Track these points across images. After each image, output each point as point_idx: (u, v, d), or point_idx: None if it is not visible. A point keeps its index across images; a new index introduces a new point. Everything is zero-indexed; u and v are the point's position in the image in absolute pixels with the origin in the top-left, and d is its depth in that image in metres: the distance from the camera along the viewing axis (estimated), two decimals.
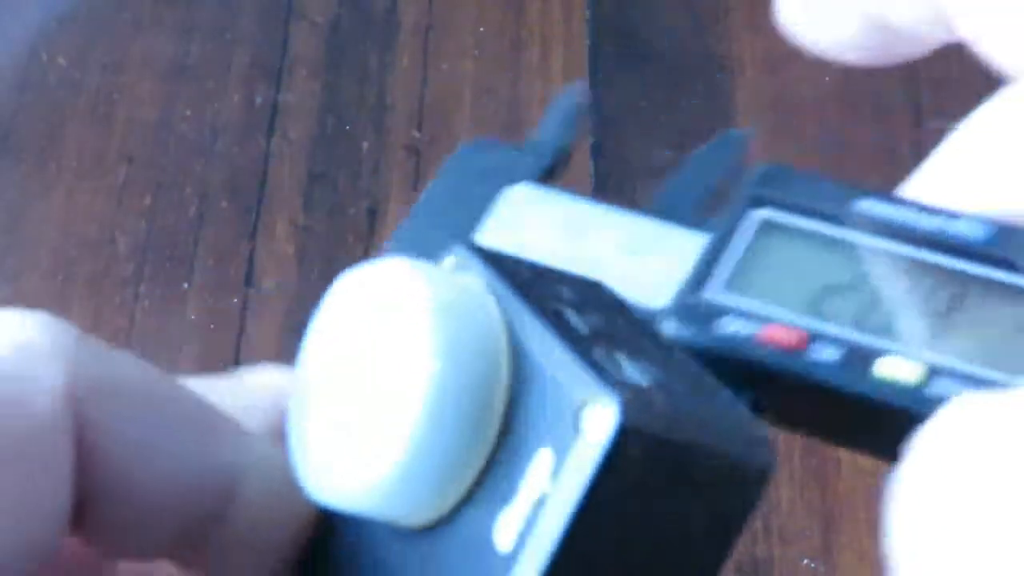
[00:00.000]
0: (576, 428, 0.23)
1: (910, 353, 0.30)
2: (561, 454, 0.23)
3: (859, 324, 0.31)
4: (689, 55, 1.01)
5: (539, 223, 0.34)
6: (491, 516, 0.24)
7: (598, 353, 0.25)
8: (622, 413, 0.23)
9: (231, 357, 0.88)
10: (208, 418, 0.27)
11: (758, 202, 0.32)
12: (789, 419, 0.32)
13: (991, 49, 0.27)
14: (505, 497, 0.24)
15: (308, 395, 0.26)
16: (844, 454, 0.84)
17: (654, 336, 0.29)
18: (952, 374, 0.30)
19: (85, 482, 0.25)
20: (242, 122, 0.96)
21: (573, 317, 0.27)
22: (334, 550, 0.27)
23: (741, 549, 0.83)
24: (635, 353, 0.27)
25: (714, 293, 0.31)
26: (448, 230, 0.31)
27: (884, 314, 0.31)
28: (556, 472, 0.23)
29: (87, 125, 0.96)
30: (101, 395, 0.26)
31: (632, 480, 0.24)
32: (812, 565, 0.82)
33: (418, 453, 0.24)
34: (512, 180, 0.34)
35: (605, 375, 0.24)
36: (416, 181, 0.94)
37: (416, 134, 0.97)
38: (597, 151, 0.94)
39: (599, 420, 0.23)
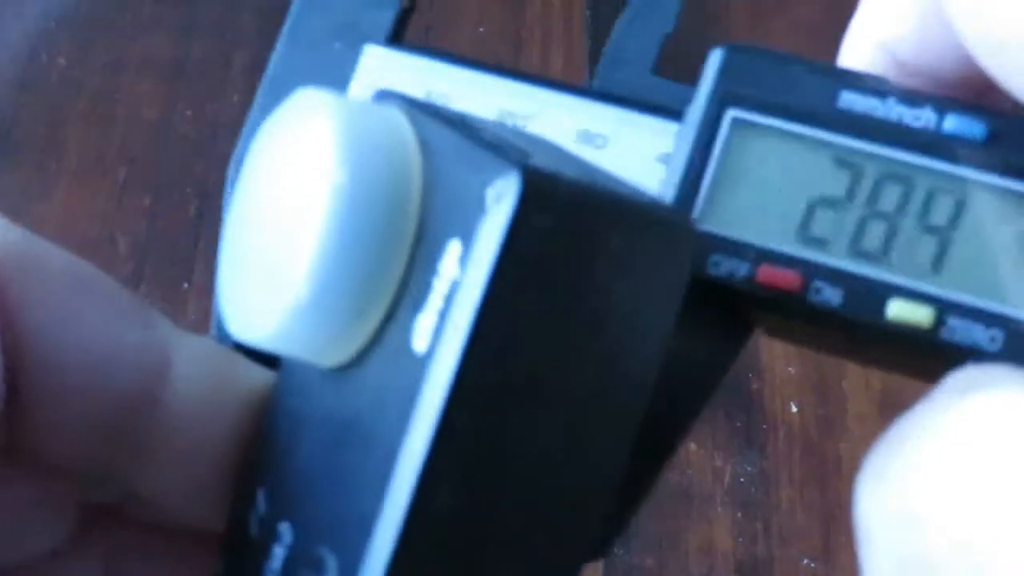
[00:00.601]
0: (482, 209, 0.22)
1: (915, 288, 0.29)
2: (468, 239, 0.22)
3: (857, 252, 0.29)
4: (689, 55, 1.01)
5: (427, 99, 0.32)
6: (409, 322, 0.23)
7: (507, 147, 0.23)
8: (523, 181, 0.22)
9: None
10: (136, 302, 0.26)
11: (728, 100, 0.30)
12: (795, 342, 0.31)
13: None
14: (420, 300, 0.23)
15: (229, 238, 0.25)
16: (844, 454, 0.84)
17: (575, 157, 0.27)
18: (965, 313, 0.28)
19: (14, 363, 0.24)
20: (242, 122, 0.96)
21: (487, 129, 0.25)
22: (274, 442, 0.26)
23: (741, 549, 0.83)
24: (549, 155, 0.25)
25: (698, 224, 0.29)
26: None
27: (882, 235, 0.29)
28: (464, 258, 0.22)
29: (87, 125, 0.96)
30: (26, 273, 0.25)
31: (544, 252, 0.22)
32: (812, 565, 0.82)
33: (328, 275, 0.23)
34: (364, 38, 0.33)
35: (506, 153, 0.22)
36: None
37: None
38: None
39: (502, 193, 0.22)
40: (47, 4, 1.01)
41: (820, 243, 0.29)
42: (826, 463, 0.85)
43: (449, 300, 0.22)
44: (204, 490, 0.26)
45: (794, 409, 0.86)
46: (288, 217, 0.23)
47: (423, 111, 0.25)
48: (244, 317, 0.24)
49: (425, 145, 0.24)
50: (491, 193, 0.22)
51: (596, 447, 0.24)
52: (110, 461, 0.25)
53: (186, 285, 0.89)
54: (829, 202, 0.29)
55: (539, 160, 0.23)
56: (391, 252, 0.23)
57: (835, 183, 0.29)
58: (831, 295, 0.29)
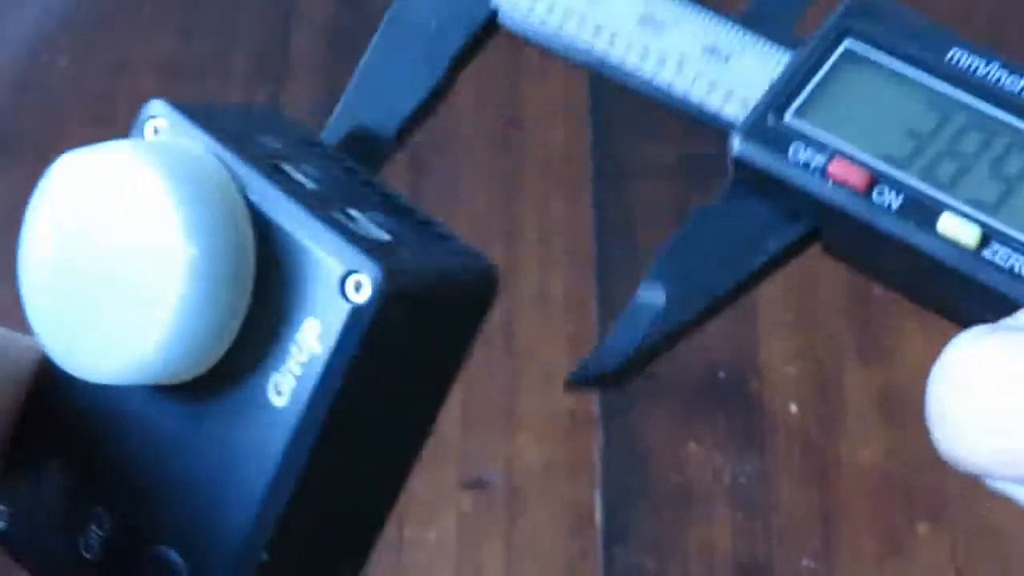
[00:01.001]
0: (342, 295, 0.27)
1: (971, 214, 0.30)
2: (328, 320, 0.27)
3: (926, 174, 0.31)
4: None
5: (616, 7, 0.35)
6: (263, 375, 0.27)
7: (338, 214, 0.28)
8: (384, 280, 0.26)
9: None
10: None
11: (846, 32, 0.32)
12: (848, 256, 0.33)
13: None
14: (276, 359, 0.27)
15: (48, 278, 0.28)
16: (844, 454, 0.84)
17: (353, 171, 0.31)
18: (1010, 242, 0.30)
19: None
20: None
21: (293, 171, 0.29)
22: (60, 410, 0.29)
23: (740, 549, 0.83)
24: (360, 202, 0.29)
25: (788, 117, 0.32)
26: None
27: (953, 169, 0.31)
28: (324, 335, 0.27)
29: (87, 125, 0.96)
30: None
31: (393, 330, 0.27)
32: (812, 565, 0.82)
33: (181, 328, 0.26)
34: None
35: (359, 241, 0.27)
36: (416, 181, 0.94)
37: (416, 134, 0.97)
38: (597, 151, 0.94)
39: (363, 287, 0.26)
40: (47, 4, 1.01)
41: (895, 160, 0.31)
42: (826, 463, 0.85)
43: (309, 368, 0.27)
44: None
45: (794, 409, 0.86)
46: (131, 273, 0.27)
47: (217, 134, 0.29)
48: (84, 358, 0.27)
49: (246, 195, 0.28)
50: (351, 283, 0.27)
51: (393, 469, 0.29)
52: None
53: None
54: (914, 134, 0.31)
55: (367, 225, 0.28)
56: (234, 304, 0.27)
57: (924, 121, 0.31)
58: (891, 200, 0.30)
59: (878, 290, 0.91)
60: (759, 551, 0.83)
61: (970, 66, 0.32)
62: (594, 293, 0.89)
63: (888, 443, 0.84)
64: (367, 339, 0.27)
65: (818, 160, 0.31)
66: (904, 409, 0.84)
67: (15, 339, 0.30)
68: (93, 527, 0.29)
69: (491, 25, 0.36)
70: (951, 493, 0.81)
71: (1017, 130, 0.31)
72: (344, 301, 0.27)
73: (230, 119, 0.31)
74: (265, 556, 0.27)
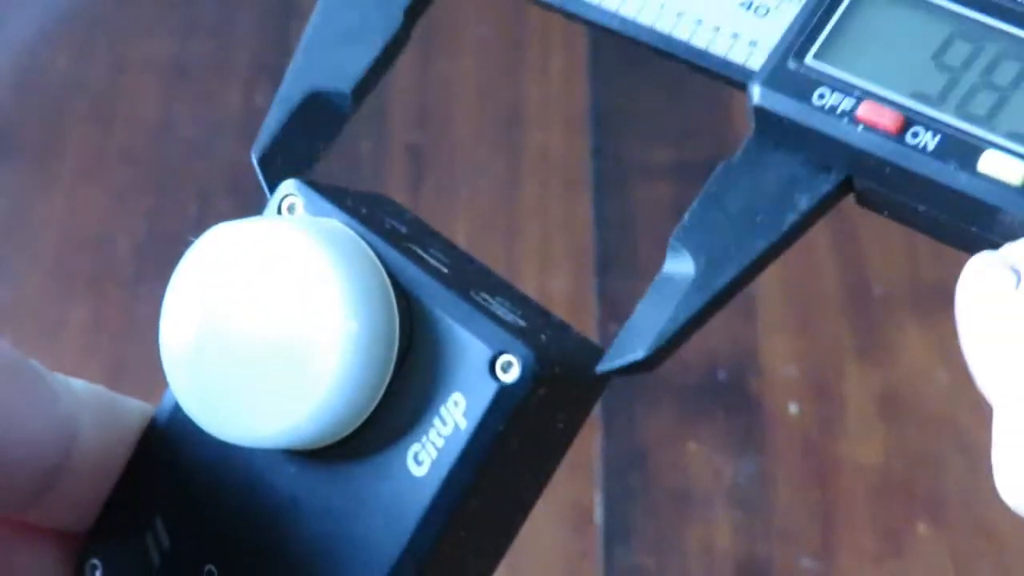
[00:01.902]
0: (491, 375, 0.28)
1: (1014, 149, 0.28)
2: (475, 397, 0.28)
3: (962, 110, 0.29)
4: None
5: None
6: (404, 446, 0.29)
7: (476, 296, 0.29)
8: (534, 362, 0.28)
9: None
10: (35, 373, 0.29)
11: None
12: (884, 205, 0.31)
13: None
14: (418, 431, 0.29)
15: (197, 345, 0.29)
16: (844, 454, 0.84)
17: (472, 259, 0.32)
18: None
19: None
20: (242, 122, 0.96)
21: (423, 253, 0.30)
22: (169, 470, 0.30)
23: (740, 548, 0.83)
24: (489, 289, 0.30)
25: (810, 60, 0.30)
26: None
27: (991, 102, 0.29)
28: (470, 411, 0.28)
29: (87, 125, 0.96)
30: None
31: (533, 410, 0.29)
32: (812, 565, 0.82)
33: (335, 397, 0.28)
34: None
35: (504, 324, 0.29)
36: (416, 181, 0.94)
37: (416, 135, 0.97)
38: (597, 151, 0.94)
39: (512, 368, 0.28)
40: (47, 4, 1.01)
41: (928, 98, 0.29)
42: (826, 463, 0.85)
43: (451, 441, 0.28)
44: (94, 509, 0.30)
45: (794, 409, 0.86)
46: (289, 343, 0.28)
47: (351, 215, 0.30)
48: (233, 422, 0.28)
49: (404, 288, 0.29)
50: (500, 363, 0.28)
51: (508, 535, 0.33)
52: (25, 508, 0.29)
53: None
54: (945, 67, 0.30)
55: (502, 310, 0.29)
56: (382, 376, 0.29)
57: (955, 51, 0.30)
58: (926, 140, 0.29)
59: (878, 290, 0.91)
60: (759, 551, 0.83)
61: None
62: (594, 293, 0.89)
63: (888, 443, 0.84)
64: (511, 418, 0.28)
65: (846, 104, 0.29)
66: (904, 409, 0.84)
67: (124, 401, 0.31)
68: None
69: None
70: (951, 493, 0.81)
71: None
72: (493, 380, 0.28)
73: (358, 201, 0.32)
74: None
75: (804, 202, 0.30)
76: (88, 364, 0.88)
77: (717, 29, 0.32)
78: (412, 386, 0.29)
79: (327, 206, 0.31)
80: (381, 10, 0.34)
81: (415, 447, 0.28)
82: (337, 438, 0.29)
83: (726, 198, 0.30)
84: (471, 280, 0.30)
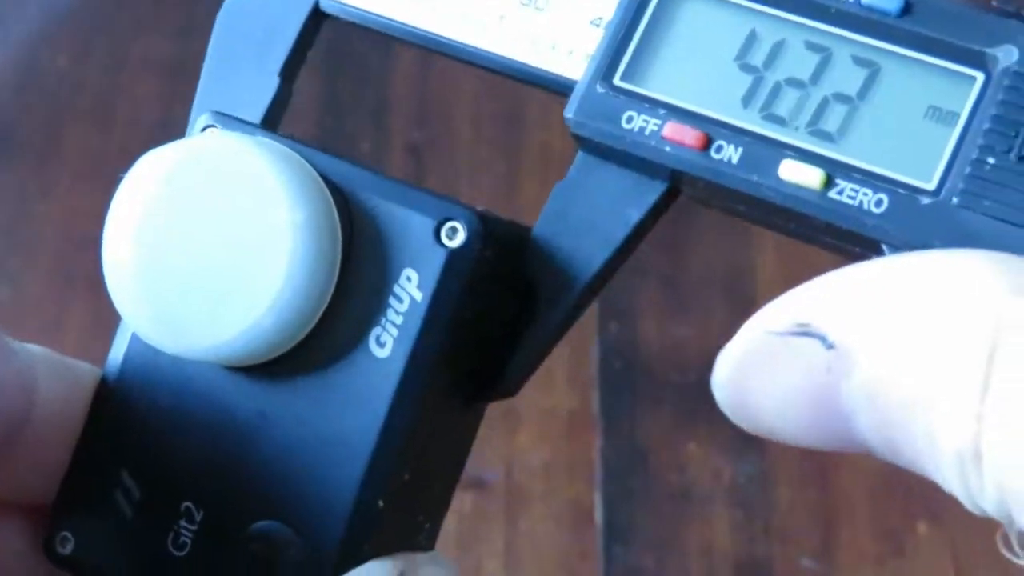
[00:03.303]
0: (438, 242, 0.29)
1: (813, 152, 0.29)
2: (426, 267, 0.29)
3: (764, 116, 0.30)
4: None
5: None
6: (362, 333, 0.29)
7: (434, 193, 0.30)
8: (478, 221, 0.29)
9: None
10: None
11: None
12: (711, 206, 0.32)
13: None
14: (375, 315, 0.29)
15: (151, 261, 0.29)
16: (844, 454, 0.84)
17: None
18: (854, 177, 0.29)
19: None
20: None
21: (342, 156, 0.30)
22: (124, 423, 0.30)
23: (740, 547, 0.83)
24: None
25: (618, 81, 0.31)
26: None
27: (792, 103, 0.30)
28: (424, 282, 0.29)
29: (87, 125, 0.96)
30: None
31: (484, 272, 0.29)
32: (811, 565, 0.82)
33: (291, 289, 0.28)
34: None
35: (443, 197, 0.29)
36: (416, 181, 0.94)
37: (416, 134, 0.97)
38: None
39: (458, 232, 0.29)
40: (47, 4, 1.01)
41: (731, 105, 0.30)
42: (826, 463, 0.85)
43: (410, 315, 0.29)
44: (56, 477, 0.30)
45: None
46: (239, 246, 0.28)
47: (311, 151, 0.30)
48: (191, 334, 0.29)
49: (335, 182, 0.29)
50: (445, 229, 0.29)
51: (470, 424, 0.31)
52: None
53: None
54: (747, 68, 0.30)
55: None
56: (331, 269, 0.29)
57: (754, 50, 0.30)
58: (730, 154, 0.30)
59: None
60: (759, 551, 0.83)
61: None
62: None
63: None
64: (464, 281, 0.29)
65: (652, 125, 0.30)
66: None
67: (76, 363, 0.31)
68: (182, 523, 0.30)
69: (317, 16, 0.35)
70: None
71: (847, 41, 0.30)
72: (440, 247, 0.29)
73: (266, 128, 0.33)
74: (381, 503, 0.28)
75: (635, 214, 0.31)
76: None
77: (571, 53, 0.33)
78: (361, 275, 0.29)
79: (246, 127, 0.32)
80: (262, 64, 0.35)
81: (375, 331, 0.29)
82: (296, 339, 0.29)
83: (566, 215, 0.32)
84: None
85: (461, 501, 0.84)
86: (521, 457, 0.85)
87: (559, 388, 0.89)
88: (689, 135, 0.30)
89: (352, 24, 0.35)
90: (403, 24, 0.34)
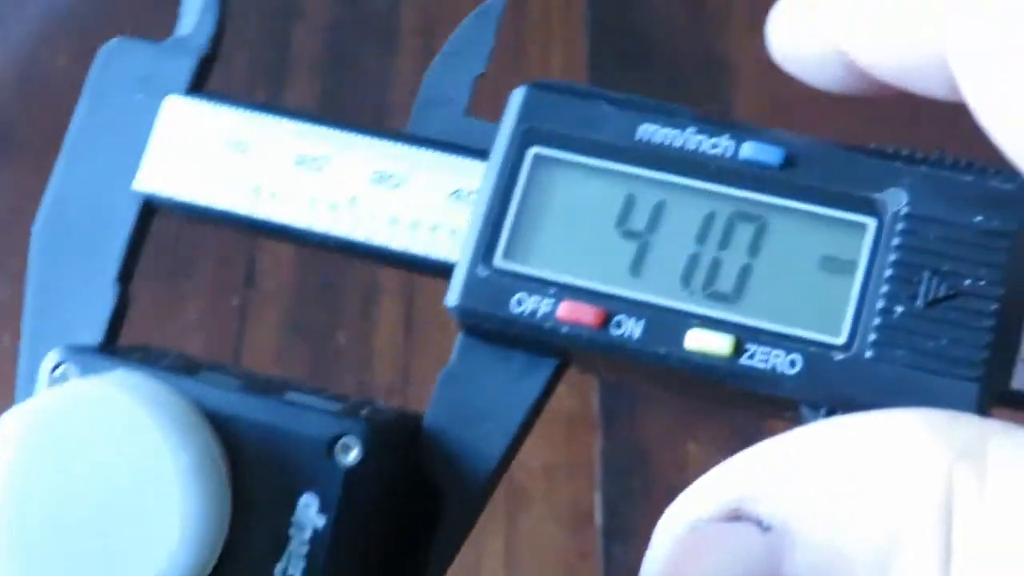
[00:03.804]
0: (333, 461, 0.27)
1: (718, 318, 0.29)
2: (325, 490, 0.27)
3: (659, 284, 0.29)
4: (689, 55, 1.01)
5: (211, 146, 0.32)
6: (266, 568, 0.27)
7: (291, 396, 0.28)
8: (371, 434, 0.27)
9: (231, 357, 0.88)
10: None
11: (530, 137, 0.30)
12: (602, 375, 0.31)
13: (991, 120, 0.26)
14: (276, 549, 0.27)
15: (21, 533, 0.26)
16: None
17: (255, 372, 0.31)
18: (763, 339, 0.28)
19: None
20: None
21: (216, 375, 0.29)
22: None
23: None
24: (286, 386, 0.29)
25: (499, 262, 0.30)
26: (111, 164, 0.31)
27: (683, 266, 0.29)
28: (325, 506, 0.27)
29: None
30: None
31: (383, 481, 0.28)
32: None
33: (188, 549, 0.26)
34: (164, 89, 0.33)
35: (330, 413, 0.28)
36: None
37: None
38: None
39: (352, 448, 0.27)
40: (47, 4, 1.01)
41: (620, 275, 0.29)
42: None
43: (316, 544, 0.27)
44: None
45: None
46: (125, 505, 0.26)
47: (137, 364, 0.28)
48: None
49: (213, 410, 0.28)
50: (339, 447, 0.28)
51: None
52: None
53: (186, 284, 0.89)
54: (630, 234, 0.29)
55: (318, 401, 0.28)
56: (224, 509, 0.27)
57: (635, 215, 0.29)
58: (631, 328, 0.29)
59: None
60: None
61: (665, 140, 0.29)
62: None
63: None
64: (367, 498, 0.28)
65: (545, 306, 0.29)
66: None
67: None
68: None
69: (148, 213, 0.33)
70: None
71: (730, 197, 0.29)
72: (336, 467, 0.27)
73: (126, 352, 0.31)
74: None
75: (529, 396, 0.30)
76: None
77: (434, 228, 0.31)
78: (257, 507, 0.28)
79: (102, 363, 0.30)
80: (95, 288, 0.33)
81: (280, 566, 0.27)
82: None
83: (458, 406, 0.30)
84: (274, 385, 0.30)
85: None
86: (521, 457, 0.85)
87: (559, 388, 0.89)
88: (586, 313, 0.29)
89: (188, 216, 0.32)
90: (248, 215, 0.32)
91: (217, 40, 0.35)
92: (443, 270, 0.30)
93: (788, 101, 1.03)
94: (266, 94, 0.97)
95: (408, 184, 0.31)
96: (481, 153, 0.31)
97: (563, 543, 0.83)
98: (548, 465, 0.85)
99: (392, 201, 0.31)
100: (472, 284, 0.29)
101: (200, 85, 0.34)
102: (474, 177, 0.31)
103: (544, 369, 0.30)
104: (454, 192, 0.31)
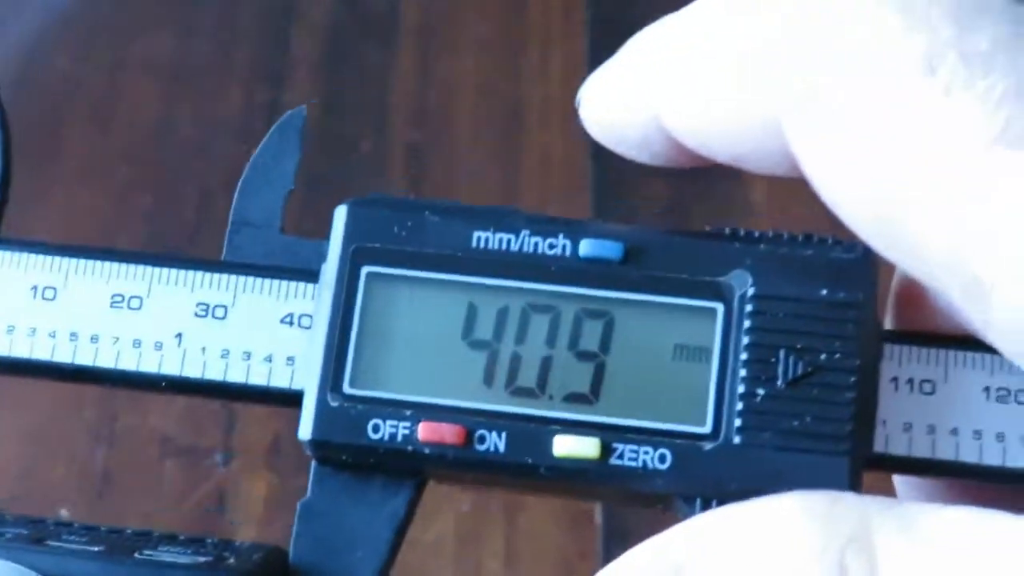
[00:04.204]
0: None
1: (581, 421, 0.28)
2: None
3: (512, 391, 0.29)
4: None
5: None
6: None
7: (145, 555, 0.27)
8: None
9: None
10: None
11: (359, 256, 0.29)
12: (468, 488, 0.30)
13: (820, 178, 0.26)
14: None
15: None
16: None
17: (96, 527, 0.30)
18: (630, 438, 0.28)
19: None
20: (242, 122, 0.96)
21: (63, 543, 0.28)
22: None
23: None
24: (148, 542, 0.29)
25: (349, 389, 0.29)
26: None
27: (532, 371, 0.29)
28: None
29: (87, 125, 0.96)
30: None
31: None
32: None
33: None
34: None
35: (192, 569, 0.27)
36: (416, 181, 0.94)
37: (416, 134, 0.97)
38: (597, 151, 0.94)
39: None
40: (47, 4, 1.01)
41: (476, 390, 0.29)
42: None
43: None
44: None
45: None
46: None
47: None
48: None
49: None
50: None
51: None
52: None
53: None
54: (480, 344, 0.29)
55: (167, 552, 0.28)
56: None
57: (479, 325, 0.29)
58: (496, 442, 0.28)
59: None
60: None
61: (500, 245, 0.29)
62: None
63: None
64: None
65: (404, 428, 0.28)
66: None
67: None
68: None
69: None
70: None
71: (573, 296, 0.29)
72: None
73: None
74: None
75: (394, 517, 0.30)
76: None
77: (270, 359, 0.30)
78: None
79: None
80: None
81: None
82: None
83: (322, 539, 0.29)
84: (127, 544, 0.29)
85: (461, 501, 0.84)
86: None
87: None
88: (448, 432, 0.28)
89: (2, 371, 0.31)
90: (69, 364, 0.30)
91: (5, 183, 0.33)
92: (285, 399, 0.30)
93: None
94: (266, 94, 0.97)
95: (234, 313, 0.30)
96: (305, 274, 0.30)
97: (563, 543, 0.83)
98: None
99: (220, 333, 0.30)
100: (324, 415, 0.29)
101: None
102: (303, 299, 0.30)
103: (405, 491, 0.30)
104: (284, 317, 0.30)
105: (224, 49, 1.00)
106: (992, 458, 0.29)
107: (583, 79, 0.32)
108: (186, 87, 0.98)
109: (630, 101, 0.28)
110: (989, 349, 0.29)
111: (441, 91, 0.98)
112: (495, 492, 0.30)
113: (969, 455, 0.29)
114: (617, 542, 0.83)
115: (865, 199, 0.25)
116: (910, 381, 0.29)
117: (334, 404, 0.29)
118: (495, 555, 0.83)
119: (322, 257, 0.30)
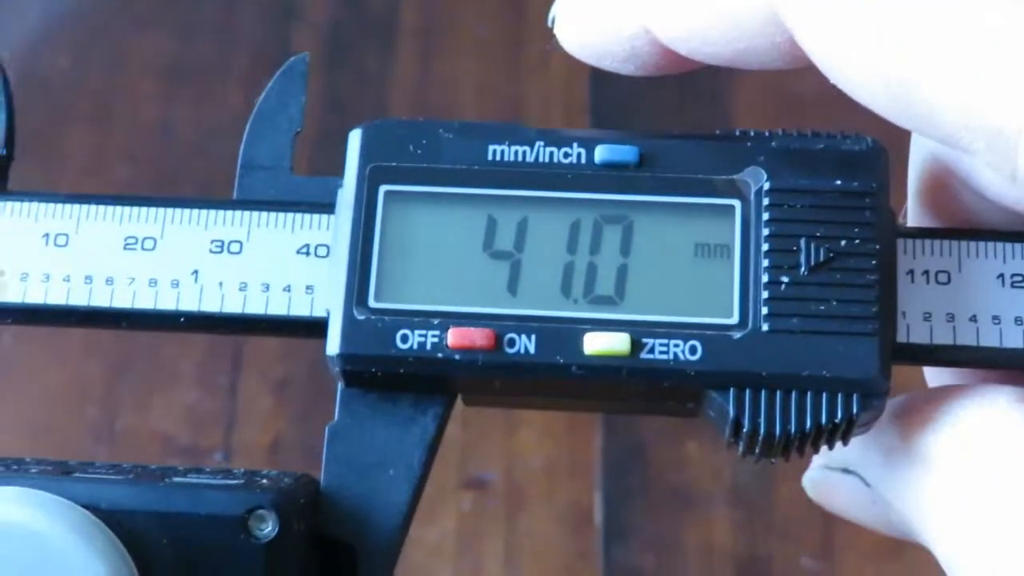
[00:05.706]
0: (251, 537, 0.26)
1: (609, 319, 0.28)
2: (245, 566, 0.26)
3: (543, 298, 0.29)
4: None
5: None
6: None
7: (183, 479, 0.27)
8: (284, 501, 0.26)
9: (231, 356, 0.88)
10: None
11: (377, 177, 0.30)
12: (489, 402, 0.31)
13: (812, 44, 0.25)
14: None
15: None
16: None
17: (128, 464, 0.30)
18: (658, 332, 0.28)
19: None
20: (242, 122, 0.96)
21: (96, 474, 0.28)
22: None
23: (740, 547, 0.83)
24: (178, 471, 0.29)
25: (375, 303, 0.29)
26: None
27: (561, 276, 0.29)
28: None
29: (87, 125, 0.96)
30: None
31: (302, 550, 0.27)
32: (811, 564, 0.82)
33: None
34: None
35: (232, 488, 0.27)
36: None
37: None
38: None
39: (266, 520, 0.27)
40: (47, 4, 1.01)
41: (503, 295, 0.29)
42: None
43: None
44: None
45: None
46: None
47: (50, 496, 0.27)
48: None
49: (114, 510, 0.27)
50: (253, 521, 0.26)
51: None
52: None
53: None
54: (499, 255, 0.29)
55: (203, 476, 0.28)
56: None
57: (500, 236, 0.29)
58: (526, 344, 0.28)
59: None
60: (759, 550, 0.83)
61: (516, 156, 0.30)
62: None
63: None
64: (287, 568, 0.27)
65: (433, 336, 0.28)
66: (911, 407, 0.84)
67: None
68: None
69: None
70: None
71: (594, 203, 0.29)
72: (255, 541, 0.26)
73: None
74: None
75: (424, 436, 0.29)
76: (88, 364, 0.88)
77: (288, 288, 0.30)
78: None
79: None
80: None
81: None
82: None
83: (353, 461, 0.29)
84: (161, 472, 0.29)
85: (461, 501, 0.84)
86: (521, 457, 0.85)
87: None
88: (478, 336, 0.28)
89: (19, 320, 0.31)
90: (84, 307, 0.30)
91: (10, 140, 0.33)
92: (306, 328, 0.30)
93: (789, 100, 1.03)
94: None
95: (250, 248, 0.31)
96: (319, 206, 0.31)
97: (563, 543, 0.83)
98: (548, 465, 0.85)
99: (237, 267, 0.30)
100: (351, 329, 0.29)
101: (2, 187, 0.33)
102: (318, 230, 0.30)
103: (434, 408, 0.30)
104: (301, 248, 0.30)
105: (224, 49, 1.00)
106: (1014, 341, 0.29)
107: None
108: (186, 87, 0.98)
109: (615, 15, 0.28)
110: (1000, 238, 0.30)
111: (441, 91, 0.98)
112: (521, 404, 0.30)
113: (990, 339, 0.29)
114: (617, 542, 0.83)
115: (875, 70, 0.24)
116: (925, 272, 0.29)
117: (360, 318, 0.29)
118: (495, 555, 0.83)
119: (333, 193, 0.30)
